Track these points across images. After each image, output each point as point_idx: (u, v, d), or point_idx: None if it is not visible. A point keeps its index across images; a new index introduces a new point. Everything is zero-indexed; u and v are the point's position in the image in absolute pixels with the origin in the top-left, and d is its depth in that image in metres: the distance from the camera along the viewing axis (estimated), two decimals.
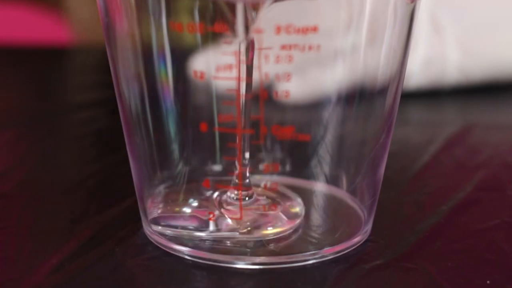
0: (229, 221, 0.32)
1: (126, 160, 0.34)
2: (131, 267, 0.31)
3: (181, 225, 0.33)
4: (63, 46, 0.76)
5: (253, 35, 0.31)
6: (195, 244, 0.32)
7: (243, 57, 0.31)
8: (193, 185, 0.35)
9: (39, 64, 0.66)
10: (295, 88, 0.32)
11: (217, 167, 0.35)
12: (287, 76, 0.31)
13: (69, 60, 0.68)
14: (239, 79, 0.31)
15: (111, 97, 0.34)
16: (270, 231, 0.32)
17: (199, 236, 0.32)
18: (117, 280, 0.31)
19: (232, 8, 0.30)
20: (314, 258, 0.32)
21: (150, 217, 0.33)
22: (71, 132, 0.48)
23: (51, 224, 0.35)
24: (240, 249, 0.32)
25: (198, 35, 0.32)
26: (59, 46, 0.74)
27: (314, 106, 0.34)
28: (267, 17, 0.30)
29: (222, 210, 0.33)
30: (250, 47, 0.31)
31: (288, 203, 0.34)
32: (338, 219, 0.34)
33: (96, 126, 0.50)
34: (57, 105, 0.54)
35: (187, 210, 0.34)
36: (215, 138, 0.34)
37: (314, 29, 0.30)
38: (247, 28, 0.31)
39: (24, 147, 0.46)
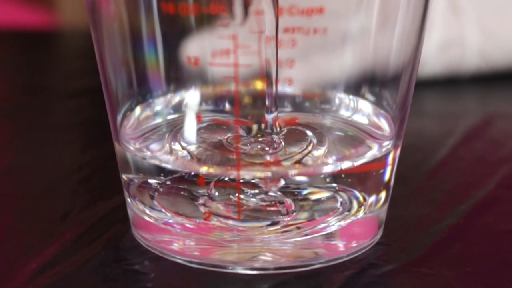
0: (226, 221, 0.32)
1: (113, 154, 0.34)
2: (118, 273, 0.31)
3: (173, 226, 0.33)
4: (44, 30, 0.76)
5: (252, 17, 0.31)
6: (188, 247, 0.32)
7: (241, 42, 0.31)
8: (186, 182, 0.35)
9: (19, 49, 0.66)
10: (298, 75, 0.32)
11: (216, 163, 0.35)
12: (290, 62, 0.31)
13: (53, 46, 0.68)
14: (237, 65, 0.31)
15: (98, 85, 0.34)
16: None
17: (193, 238, 0.32)
18: (103, 287, 0.31)
19: None
20: (320, 263, 0.32)
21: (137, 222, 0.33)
22: (54, 123, 0.48)
23: (31, 225, 0.35)
24: (238, 253, 0.32)
25: (192, 17, 0.32)
26: (40, 30, 0.74)
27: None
28: None
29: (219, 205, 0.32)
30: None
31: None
32: None
33: (82, 117, 0.50)
34: (39, 93, 0.54)
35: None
36: (211, 128, 0.34)
37: (320, 10, 0.30)
38: (246, 9, 0.31)
39: (2, 140, 0.46)
